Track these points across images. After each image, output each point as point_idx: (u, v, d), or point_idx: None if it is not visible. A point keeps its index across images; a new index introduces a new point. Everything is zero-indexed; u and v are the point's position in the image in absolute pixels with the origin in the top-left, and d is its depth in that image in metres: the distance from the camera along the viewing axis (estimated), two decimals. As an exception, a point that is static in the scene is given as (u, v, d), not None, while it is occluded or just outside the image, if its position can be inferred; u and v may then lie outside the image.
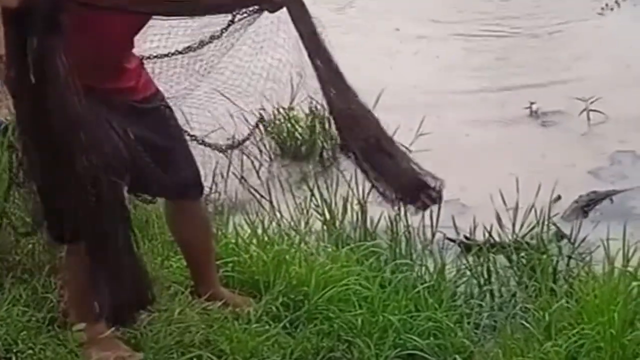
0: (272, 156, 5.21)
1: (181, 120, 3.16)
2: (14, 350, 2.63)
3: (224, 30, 2.88)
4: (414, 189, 2.85)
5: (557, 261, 3.68)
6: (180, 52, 2.97)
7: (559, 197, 4.43)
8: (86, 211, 2.42)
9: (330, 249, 3.65)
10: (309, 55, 2.73)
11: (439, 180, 2.89)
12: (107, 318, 2.62)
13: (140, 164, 2.79)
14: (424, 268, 3.63)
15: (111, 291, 2.49)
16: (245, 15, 2.80)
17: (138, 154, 2.76)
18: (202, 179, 3.16)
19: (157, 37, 2.93)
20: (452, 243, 4.06)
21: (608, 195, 4.60)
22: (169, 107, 2.97)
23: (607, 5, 7.88)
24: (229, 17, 2.83)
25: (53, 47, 2.31)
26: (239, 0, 2.74)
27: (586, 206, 4.48)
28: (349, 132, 2.80)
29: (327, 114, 2.87)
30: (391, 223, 3.93)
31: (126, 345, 2.78)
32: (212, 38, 2.92)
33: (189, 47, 2.95)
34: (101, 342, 2.73)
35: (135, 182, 2.84)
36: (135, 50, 2.88)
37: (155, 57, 2.98)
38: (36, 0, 2.26)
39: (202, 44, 2.93)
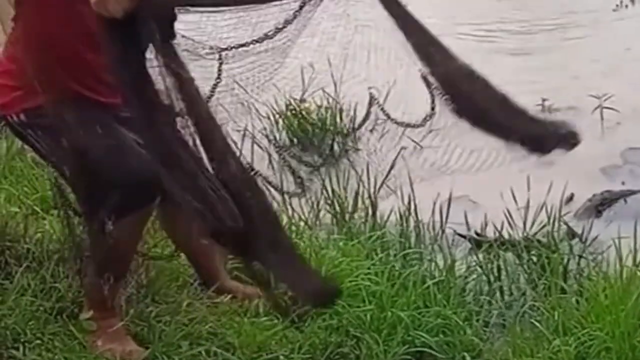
0: (283, 148, 5.19)
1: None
2: (22, 340, 2.63)
3: (296, 13, 2.80)
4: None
5: (568, 260, 3.66)
6: (256, 41, 2.89)
7: (571, 196, 4.41)
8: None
9: (340, 243, 3.63)
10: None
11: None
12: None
13: None
14: (433, 264, 3.62)
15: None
16: None
17: None
18: None
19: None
20: (461, 240, 4.05)
21: (622, 195, 4.56)
22: None
23: (621, 2, 7.85)
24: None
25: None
26: None
27: (600, 205, 4.45)
28: (458, 92, 2.81)
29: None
30: (401, 218, 3.92)
31: (133, 340, 2.76)
32: (287, 22, 2.83)
33: (265, 34, 2.88)
34: (110, 334, 2.72)
35: None
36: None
37: (234, 47, 2.89)
38: (146, 10, 2.19)
39: (277, 30, 2.87)
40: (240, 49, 2.88)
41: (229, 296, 3.12)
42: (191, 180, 2.24)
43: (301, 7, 2.79)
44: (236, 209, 2.24)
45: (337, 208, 4.09)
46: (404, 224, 3.90)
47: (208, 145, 2.28)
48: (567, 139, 2.78)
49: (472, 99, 2.82)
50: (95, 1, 2.16)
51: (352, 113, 5.33)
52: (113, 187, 2.50)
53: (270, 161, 4.94)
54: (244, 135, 4.19)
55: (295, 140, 5.25)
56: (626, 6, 7.81)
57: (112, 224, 2.53)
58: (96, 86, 2.61)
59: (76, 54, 2.57)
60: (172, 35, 2.33)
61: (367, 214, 4.01)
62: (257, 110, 5.22)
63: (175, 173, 2.25)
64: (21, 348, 2.61)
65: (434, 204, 4.07)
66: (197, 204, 2.22)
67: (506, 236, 3.92)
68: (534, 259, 3.70)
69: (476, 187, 4.59)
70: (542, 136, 2.79)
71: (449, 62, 2.78)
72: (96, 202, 2.54)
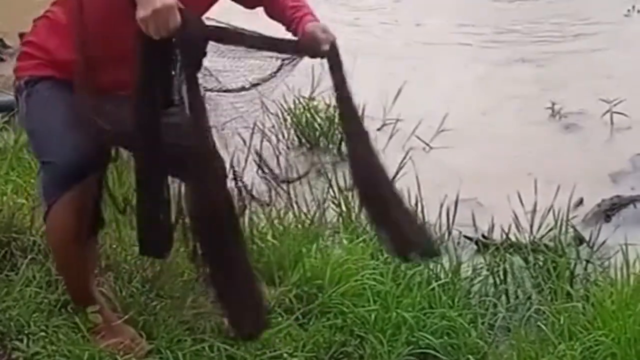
0: (291, 146, 5.19)
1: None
2: (26, 332, 2.62)
3: (272, 75, 2.92)
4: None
5: (575, 264, 3.64)
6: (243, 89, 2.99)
7: (581, 201, 4.39)
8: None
9: (345, 242, 3.62)
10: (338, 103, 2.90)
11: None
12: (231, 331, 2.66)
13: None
14: (439, 265, 3.60)
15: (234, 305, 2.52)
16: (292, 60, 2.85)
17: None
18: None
19: None
20: (467, 242, 4.04)
21: (632, 200, 4.53)
22: None
23: (633, 7, 7.82)
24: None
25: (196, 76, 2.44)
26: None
27: (609, 210, 4.42)
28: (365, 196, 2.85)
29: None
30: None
31: (136, 333, 2.76)
32: (263, 80, 2.96)
33: (242, 87, 2.96)
34: (111, 328, 2.72)
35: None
36: None
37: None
38: (189, 32, 2.36)
39: (254, 85, 2.97)
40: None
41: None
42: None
43: (278, 70, 2.89)
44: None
45: (343, 207, 4.07)
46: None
47: None
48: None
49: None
50: (140, 17, 2.29)
51: (360, 113, 5.31)
52: (44, 168, 2.57)
53: (277, 159, 4.93)
54: (252, 132, 4.17)
55: (303, 138, 5.24)
56: (638, 11, 7.78)
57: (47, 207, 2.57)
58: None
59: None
60: (199, 67, 2.47)
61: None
62: (266, 107, 5.21)
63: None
64: (25, 340, 2.60)
65: (441, 205, 4.06)
66: None
67: (513, 239, 3.91)
68: (541, 262, 3.69)
69: (484, 189, 4.59)
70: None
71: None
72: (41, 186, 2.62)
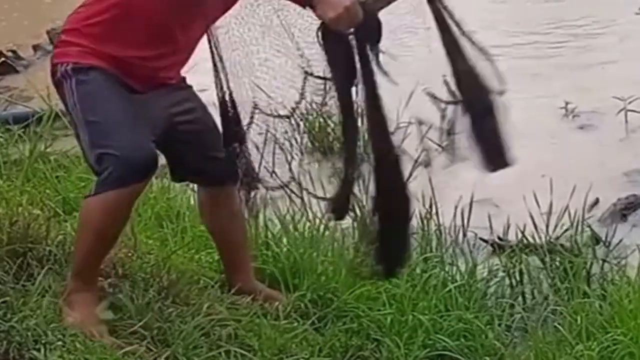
0: (304, 151, 5.19)
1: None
2: (43, 342, 2.62)
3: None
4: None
5: (591, 264, 3.62)
6: None
7: (597, 200, 4.37)
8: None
9: (360, 246, 3.61)
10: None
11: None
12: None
13: (181, 146, 2.96)
14: (454, 267, 3.60)
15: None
16: None
17: (182, 134, 2.95)
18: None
19: None
20: (483, 243, 4.02)
21: (648, 199, 4.51)
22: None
23: (644, 5, 7.80)
24: None
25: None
26: None
27: (624, 209, 4.40)
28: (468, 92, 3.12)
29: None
30: (422, 221, 3.90)
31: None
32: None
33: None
34: (80, 305, 2.75)
35: (176, 164, 3.05)
36: None
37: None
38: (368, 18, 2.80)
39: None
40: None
41: (250, 297, 3.11)
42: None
43: None
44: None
45: (357, 212, 4.06)
46: (425, 227, 3.88)
47: None
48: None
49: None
50: (332, 17, 2.71)
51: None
52: (105, 159, 2.68)
53: (290, 165, 4.93)
54: (266, 138, 4.17)
55: (317, 143, 5.24)
56: (649, 9, 7.76)
57: (97, 193, 2.70)
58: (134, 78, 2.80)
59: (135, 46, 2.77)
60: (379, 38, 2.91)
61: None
62: (278, 113, 5.22)
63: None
64: (42, 349, 2.60)
65: (456, 207, 4.05)
66: None
67: (529, 240, 3.89)
68: (557, 263, 3.67)
69: (499, 190, 4.57)
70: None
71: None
72: (92, 169, 2.77)
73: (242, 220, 3.24)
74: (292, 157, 5.01)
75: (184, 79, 3.03)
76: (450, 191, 4.27)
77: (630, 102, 5.44)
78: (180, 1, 2.78)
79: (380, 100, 3.01)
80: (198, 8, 2.82)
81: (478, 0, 8.15)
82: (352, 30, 2.78)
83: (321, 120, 5.27)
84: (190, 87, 3.06)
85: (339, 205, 3.09)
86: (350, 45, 2.82)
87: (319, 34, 2.79)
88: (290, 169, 4.86)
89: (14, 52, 7.30)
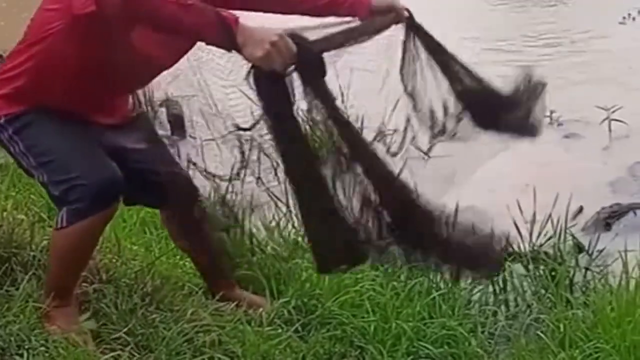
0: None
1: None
2: (27, 347, 2.62)
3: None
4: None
5: (574, 272, 3.65)
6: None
7: (581, 209, 4.39)
8: None
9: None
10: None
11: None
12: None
13: (138, 176, 2.85)
14: (438, 275, 3.60)
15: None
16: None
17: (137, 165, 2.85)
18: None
19: None
20: (468, 251, 4.03)
21: (631, 208, 4.54)
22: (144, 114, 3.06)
23: (629, 14, 7.85)
24: None
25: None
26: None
27: (608, 218, 4.43)
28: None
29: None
30: (407, 228, 3.90)
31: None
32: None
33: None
34: (62, 319, 2.75)
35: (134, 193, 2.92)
36: None
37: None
38: (306, 51, 2.52)
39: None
40: None
41: (234, 304, 3.11)
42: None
43: None
44: None
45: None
46: (410, 235, 3.89)
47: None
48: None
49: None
50: (259, 56, 2.42)
51: (358, 123, 5.33)
52: (73, 191, 2.64)
53: (276, 172, 4.93)
54: (251, 146, 4.18)
55: (302, 150, 5.24)
56: (633, 18, 7.82)
57: (70, 223, 2.66)
58: (90, 111, 2.78)
59: (81, 81, 2.69)
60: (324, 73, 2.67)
61: (372, 224, 3.99)
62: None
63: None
64: (25, 354, 2.60)
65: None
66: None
67: (513, 248, 3.90)
68: (540, 271, 3.69)
69: (483, 198, 4.59)
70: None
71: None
72: (58, 203, 2.72)
73: (209, 234, 3.16)
74: (278, 164, 5.03)
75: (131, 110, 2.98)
76: (435, 198, 4.28)
77: (614, 112, 5.48)
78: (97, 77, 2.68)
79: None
80: (123, 83, 2.77)
81: (461, 11, 8.21)
82: (291, 68, 2.51)
83: (307, 127, 5.27)
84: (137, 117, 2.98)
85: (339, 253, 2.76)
86: (287, 86, 2.57)
87: (250, 77, 2.50)
88: (275, 175, 4.88)
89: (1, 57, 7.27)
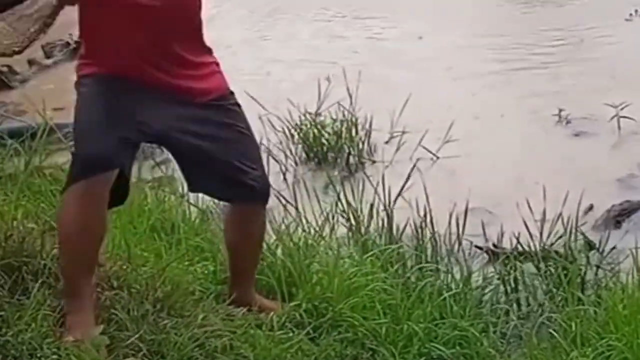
0: (299, 161, 5.21)
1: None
2: (39, 355, 2.63)
3: None
4: None
5: (585, 270, 3.63)
6: None
7: (591, 207, 4.38)
8: None
9: (355, 256, 3.62)
10: None
11: None
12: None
13: (208, 165, 2.96)
14: (449, 275, 3.60)
15: None
16: None
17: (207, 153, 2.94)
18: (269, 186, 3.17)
19: None
20: (478, 251, 4.03)
21: (642, 205, 4.51)
22: (238, 106, 3.05)
23: (636, 11, 7.83)
24: None
25: None
26: None
27: (618, 216, 4.41)
28: None
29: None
30: (417, 230, 3.91)
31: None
32: None
33: None
34: (74, 325, 2.78)
35: (206, 182, 3.03)
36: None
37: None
38: None
39: None
40: None
41: (245, 309, 3.12)
42: None
43: None
44: None
45: (353, 221, 4.08)
46: (420, 236, 3.89)
47: None
48: None
49: None
50: None
51: (367, 126, 5.34)
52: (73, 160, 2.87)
53: (284, 176, 4.95)
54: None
55: (311, 154, 5.26)
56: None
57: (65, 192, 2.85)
58: (136, 64, 2.86)
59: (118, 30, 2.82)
60: None
61: (382, 226, 4.00)
62: (271, 124, 5.25)
63: None
64: (37, 363, 2.62)
65: (450, 215, 4.06)
66: None
67: (523, 247, 3.90)
68: (552, 269, 3.68)
69: (493, 198, 4.59)
70: None
71: None
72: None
73: (261, 240, 3.22)
74: (287, 168, 5.06)
75: (225, 94, 3.01)
76: (445, 199, 4.29)
77: (622, 109, 5.46)
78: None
79: None
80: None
81: (469, 11, 8.20)
82: None
83: (315, 130, 5.29)
84: (223, 107, 2.99)
85: None
86: None
87: None
88: (284, 179, 4.90)
89: (9, 66, 7.31)
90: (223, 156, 2.96)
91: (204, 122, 2.93)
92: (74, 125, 2.90)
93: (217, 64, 3.03)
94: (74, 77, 2.95)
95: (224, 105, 2.99)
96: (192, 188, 3.17)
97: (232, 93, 3.03)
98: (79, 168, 2.81)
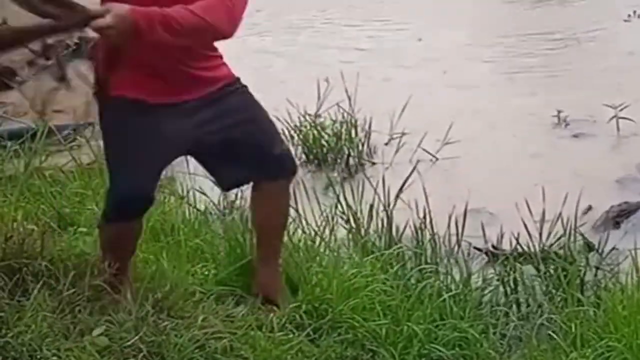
0: (298, 163, 5.21)
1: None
2: (39, 357, 2.63)
3: None
4: None
5: (585, 271, 3.64)
6: None
7: (590, 208, 4.39)
8: None
9: (355, 257, 3.63)
10: None
11: None
12: None
13: (236, 154, 3.02)
14: (449, 277, 3.60)
15: None
16: None
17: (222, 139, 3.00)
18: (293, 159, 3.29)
19: None
20: (477, 252, 4.03)
21: (640, 206, 4.52)
22: (247, 88, 3.11)
23: (634, 12, 7.84)
24: None
25: None
26: None
27: (617, 217, 4.42)
28: None
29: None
30: (417, 231, 3.91)
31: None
32: None
33: None
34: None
35: (216, 175, 3.15)
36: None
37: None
38: None
39: None
40: None
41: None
42: None
43: None
44: None
45: (352, 223, 4.08)
46: (420, 237, 3.89)
47: None
48: None
49: None
50: None
51: (367, 127, 5.35)
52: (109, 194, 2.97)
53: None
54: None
55: (311, 155, 5.27)
56: (638, 16, 7.80)
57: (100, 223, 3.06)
58: (149, 84, 2.88)
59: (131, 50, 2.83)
60: None
61: (382, 227, 4.01)
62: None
63: None
64: (38, 364, 2.62)
65: (450, 216, 4.06)
66: None
67: (523, 248, 3.90)
68: (551, 270, 3.68)
69: (492, 199, 4.59)
70: None
71: None
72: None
73: (285, 216, 3.29)
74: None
75: (228, 83, 3.04)
76: (444, 200, 4.29)
77: (621, 110, 5.47)
78: None
79: None
80: None
81: (469, 11, 8.21)
82: None
83: (315, 132, 5.30)
84: (235, 92, 3.05)
85: None
86: None
87: None
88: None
89: (8, 67, 7.30)
90: (248, 139, 3.03)
91: (222, 116, 2.99)
92: (106, 154, 2.99)
93: (222, 56, 3.08)
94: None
95: (236, 91, 3.05)
96: (225, 185, 3.28)
97: (238, 79, 3.08)
98: (116, 210, 2.94)
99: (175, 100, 2.92)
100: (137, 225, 3.05)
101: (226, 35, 2.82)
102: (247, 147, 3.03)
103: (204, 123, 2.97)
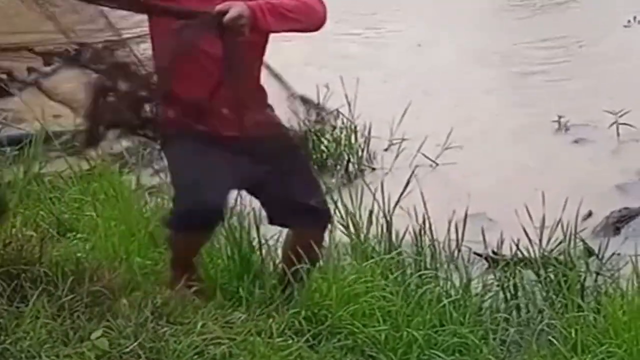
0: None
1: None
2: (37, 363, 2.64)
3: None
4: None
5: (585, 277, 3.63)
6: None
7: (590, 213, 4.38)
8: None
9: (354, 263, 3.62)
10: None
11: None
12: None
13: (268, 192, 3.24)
14: (449, 282, 3.60)
15: None
16: None
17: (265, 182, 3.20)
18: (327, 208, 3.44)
19: None
20: (477, 258, 4.03)
21: (640, 212, 4.52)
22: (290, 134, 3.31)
23: (634, 18, 7.85)
24: None
25: None
26: None
27: (617, 222, 4.41)
28: None
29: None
30: (416, 237, 3.90)
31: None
32: None
33: None
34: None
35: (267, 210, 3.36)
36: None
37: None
38: None
39: None
40: None
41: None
42: None
43: None
44: None
45: (352, 228, 4.07)
46: (420, 243, 3.89)
47: None
48: None
49: None
50: None
51: (366, 133, 5.35)
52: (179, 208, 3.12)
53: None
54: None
55: (310, 161, 5.25)
56: (638, 22, 7.81)
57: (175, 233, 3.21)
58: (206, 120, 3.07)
59: (185, 91, 3.01)
60: None
61: (382, 233, 4.00)
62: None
63: None
64: (36, 371, 2.61)
65: (450, 222, 4.06)
66: None
67: (523, 254, 3.89)
68: (551, 276, 3.67)
69: (492, 205, 4.59)
70: None
71: None
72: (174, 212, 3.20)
73: (309, 261, 3.31)
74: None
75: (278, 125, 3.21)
76: (444, 206, 4.29)
77: (621, 115, 5.47)
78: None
79: None
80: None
81: (468, 17, 8.21)
82: None
83: (314, 137, 5.29)
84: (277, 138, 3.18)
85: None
86: None
87: None
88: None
89: (8, 73, 7.31)
90: (285, 189, 3.21)
91: (264, 161, 3.13)
92: (173, 180, 3.21)
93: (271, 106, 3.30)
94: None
95: (279, 137, 3.20)
96: (271, 222, 3.42)
97: (284, 125, 3.27)
98: (181, 220, 3.11)
99: (229, 134, 3.07)
100: (203, 238, 3.28)
101: (322, 14, 3.08)
102: (283, 196, 3.22)
103: (251, 162, 3.12)
